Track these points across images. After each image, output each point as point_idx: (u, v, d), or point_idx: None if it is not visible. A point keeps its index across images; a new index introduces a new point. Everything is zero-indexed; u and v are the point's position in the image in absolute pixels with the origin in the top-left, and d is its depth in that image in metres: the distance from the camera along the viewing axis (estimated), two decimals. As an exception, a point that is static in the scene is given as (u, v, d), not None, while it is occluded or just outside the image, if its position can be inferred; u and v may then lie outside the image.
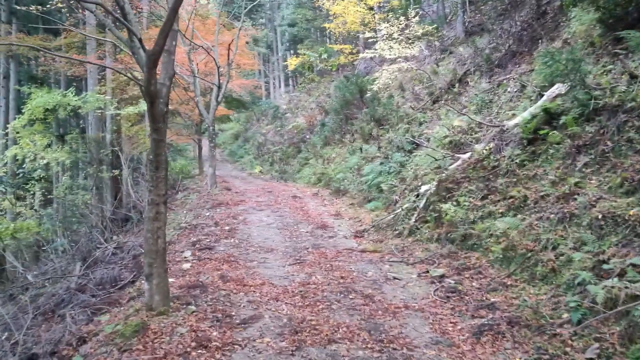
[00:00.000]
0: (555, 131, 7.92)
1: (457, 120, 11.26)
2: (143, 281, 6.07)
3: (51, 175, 19.16)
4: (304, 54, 30.24)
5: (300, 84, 30.91)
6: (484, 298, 6.29)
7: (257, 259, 8.73)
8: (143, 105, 15.53)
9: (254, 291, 6.72)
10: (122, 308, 6.94)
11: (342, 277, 7.41)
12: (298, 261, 8.60)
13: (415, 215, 10.14)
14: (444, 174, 10.06)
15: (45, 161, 16.02)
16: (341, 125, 20.88)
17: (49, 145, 20.96)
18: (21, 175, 17.36)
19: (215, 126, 17.25)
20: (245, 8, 20.06)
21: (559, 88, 8.74)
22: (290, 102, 33.48)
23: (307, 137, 24.29)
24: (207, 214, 12.37)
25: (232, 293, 6.57)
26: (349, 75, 24.23)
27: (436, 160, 10.76)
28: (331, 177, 16.83)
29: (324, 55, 27.94)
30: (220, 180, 20.85)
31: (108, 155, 17.65)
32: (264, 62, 45.28)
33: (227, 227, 10.76)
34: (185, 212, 13.07)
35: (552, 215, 6.89)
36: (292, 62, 32.30)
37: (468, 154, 10.03)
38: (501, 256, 7.13)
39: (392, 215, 10.99)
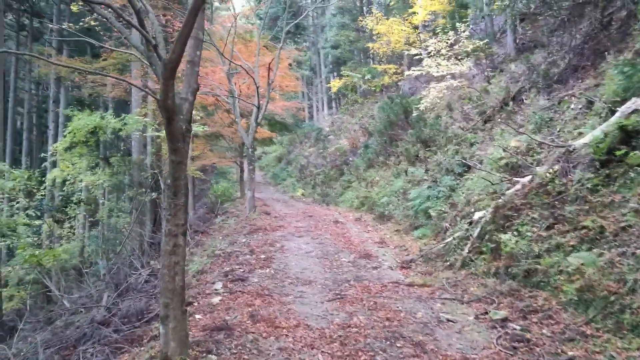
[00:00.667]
0: (636, 152, 6.81)
1: (514, 141, 10.20)
2: (159, 324, 5.31)
3: (91, 198, 19.02)
4: (347, 75, 29.62)
5: (344, 105, 30.23)
6: (560, 350, 5.22)
7: (293, 293, 7.88)
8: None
9: (287, 335, 5.85)
10: (141, 349, 6.20)
11: (387, 319, 6.47)
12: (338, 296, 7.71)
13: (468, 245, 9.09)
14: (500, 200, 9.01)
15: (83, 184, 15.76)
16: (385, 147, 19.98)
17: (93, 168, 20.97)
18: (60, 198, 17.18)
19: (255, 148, 16.67)
20: (288, 31, 19.63)
21: (635, 103, 7.63)
22: (333, 124, 32.84)
23: (350, 159, 23.48)
24: (244, 240, 11.65)
25: (261, 337, 5.72)
26: (393, 95, 23.40)
27: (492, 184, 9.71)
28: (375, 201, 15.91)
29: (368, 76, 27.21)
30: (260, 204, 20.22)
31: (148, 178, 17.31)
32: (307, 85, 44.99)
33: (263, 256, 9.98)
34: (221, 237, 12.39)
35: (638, 251, 5.77)
36: (335, 84, 31.74)
37: (528, 178, 8.95)
38: (576, 298, 6.03)
39: (442, 245, 9.97)
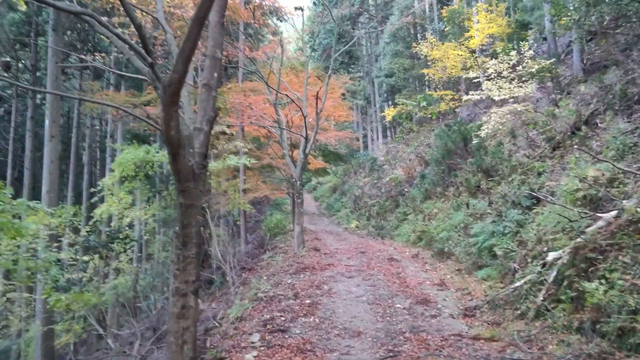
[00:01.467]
0: None
1: (593, 170, 8.86)
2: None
3: (149, 230, 18.66)
4: (402, 103, 28.61)
5: (399, 133, 29.16)
6: None
7: (339, 348, 6.86)
8: (230, 160, 14.56)
9: (326, 410, 4.84)
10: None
11: (450, 388, 5.33)
12: (390, 353, 6.62)
13: (543, 291, 7.80)
14: (580, 239, 7.69)
15: (128, 219, 15.42)
16: (443, 177, 18.71)
17: (147, 202, 20.84)
18: (107, 234, 16.94)
19: (302, 181, 15.84)
20: (341, 61, 19.02)
21: None
22: (387, 154, 31.76)
23: (406, 190, 22.30)
24: (289, 281, 10.73)
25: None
26: (451, 122, 22.17)
27: (569, 220, 8.39)
28: (433, 236, 14.66)
29: (423, 103, 26.10)
30: (312, 237, 19.33)
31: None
32: (361, 114, 44.29)
33: (308, 300, 9.01)
34: (266, 277, 11.53)
35: None
36: (390, 113, 30.76)
37: (613, 213, 7.61)
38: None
39: (511, 289, 8.68)
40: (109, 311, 21.30)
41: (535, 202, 10.83)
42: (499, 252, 10.10)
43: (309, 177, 47.11)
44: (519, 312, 8.03)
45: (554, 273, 7.79)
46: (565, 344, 6.47)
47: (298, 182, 14.91)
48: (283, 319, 8.03)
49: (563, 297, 7.28)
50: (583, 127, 12.22)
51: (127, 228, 16.38)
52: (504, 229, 10.70)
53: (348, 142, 29.80)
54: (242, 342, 7.22)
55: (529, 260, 9.22)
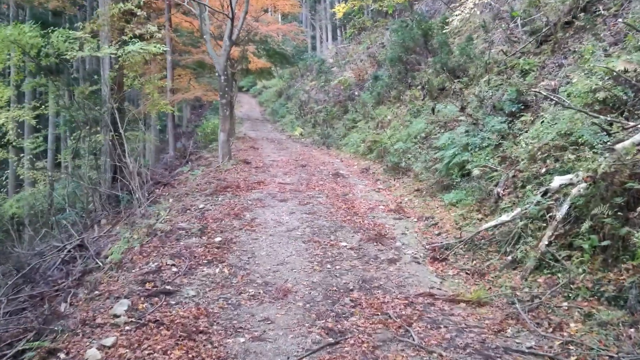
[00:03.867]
0: None
1: (622, 62, 6.17)
2: None
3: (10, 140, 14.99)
4: (354, -3, 24.83)
5: (349, 30, 25.49)
6: None
7: (251, 324, 4.24)
8: (132, 46, 10.96)
9: None
10: None
11: None
12: (331, 332, 4.08)
13: (548, 232, 5.34)
14: (606, 159, 5.14)
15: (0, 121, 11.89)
16: (399, 78, 15.84)
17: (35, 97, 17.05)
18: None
19: (228, 75, 12.55)
20: None
21: None
22: (337, 55, 28.33)
23: (356, 94, 19.37)
24: (201, 205, 7.91)
25: None
26: (409, 18, 18.93)
27: (596, 131, 5.80)
28: (386, 148, 12.04)
29: (378, -5, 22.48)
30: (247, 146, 16.41)
31: (105, 113, 13.37)
32: (310, 12, 39.88)
33: (218, 238, 6.26)
34: (172, 199, 8.63)
35: None
36: (341, 9, 26.93)
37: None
38: None
39: (494, 223, 6.22)
40: (29, 223, 18.09)
41: (523, 107, 8.21)
42: (475, 172, 7.55)
43: (254, 81, 43.25)
44: (509, 257, 5.61)
45: (565, 207, 5.30)
46: (597, 324, 4.07)
47: (222, 78, 11.61)
48: (175, 270, 5.27)
49: (584, 245, 4.84)
50: (581, 15, 9.45)
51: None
52: (481, 141, 8.11)
53: (294, 39, 26.05)
54: (100, 313, 4.46)
55: (519, 184, 6.73)
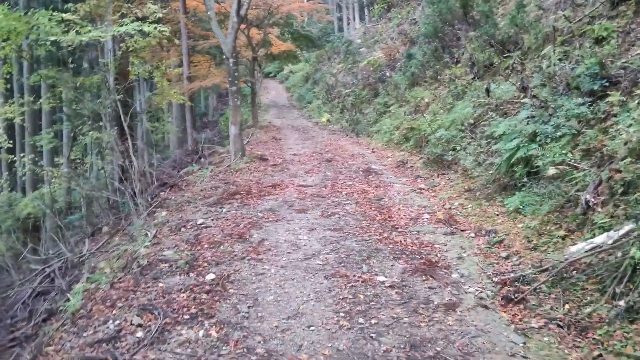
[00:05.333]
0: None
1: None
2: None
3: None
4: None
5: (378, 5, 23.27)
6: None
7: None
8: (145, 27, 9.30)
9: None
10: None
11: None
12: None
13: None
14: None
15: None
16: (436, 56, 13.85)
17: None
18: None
19: (236, 58, 10.75)
20: None
21: None
22: (365, 35, 26.28)
23: (387, 74, 17.43)
24: (200, 221, 6.27)
25: None
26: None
27: None
28: (426, 136, 10.19)
29: (409, -32, 20.36)
30: (269, 137, 14.75)
31: (111, 106, 11.88)
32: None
33: (210, 275, 4.59)
34: (164, 214, 7.00)
35: None
36: (368, -15, 24.84)
37: None
38: None
39: (591, 245, 4.40)
40: (47, 224, 17.00)
41: (607, 83, 6.25)
42: (550, 171, 5.68)
43: (280, 66, 41.45)
44: (621, 304, 3.80)
45: None
46: None
47: (231, 61, 9.83)
48: (139, 335, 3.62)
49: None
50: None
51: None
52: (554, 130, 6.20)
53: (319, 19, 24.06)
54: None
55: (618, 189, 4.85)
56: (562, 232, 5.14)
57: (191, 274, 4.58)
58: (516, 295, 4.34)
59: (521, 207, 6.02)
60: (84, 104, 11.84)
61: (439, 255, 5.14)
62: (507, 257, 5.12)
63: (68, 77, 13.06)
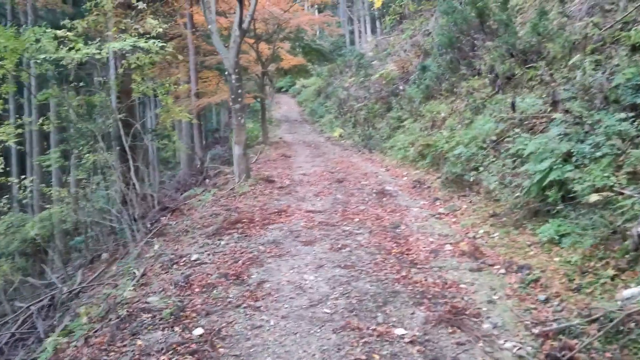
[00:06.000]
0: None
1: None
2: None
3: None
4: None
5: (390, 16, 22.64)
6: None
7: None
8: (118, 43, 8.72)
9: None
10: None
11: None
12: None
13: None
14: None
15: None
16: (452, 67, 13.14)
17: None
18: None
19: (239, 74, 10.06)
20: None
21: None
22: (377, 47, 25.65)
23: (400, 88, 16.74)
24: (195, 256, 5.59)
25: None
26: (458, -1, 16.10)
27: None
28: (443, 153, 9.46)
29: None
30: (279, 154, 14.11)
31: (112, 126, 11.33)
32: (347, 5, 37.13)
33: (198, 330, 3.86)
34: (157, 247, 6.33)
35: None
36: (379, -2, 24.22)
37: None
38: None
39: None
40: (57, 244, 16.49)
41: (652, 96, 5.49)
42: (593, 197, 4.92)
43: (292, 80, 40.99)
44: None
45: None
46: None
47: (233, 77, 9.18)
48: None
49: None
50: None
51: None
52: (593, 150, 5.44)
53: (330, 32, 23.50)
54: None
55: (679, 221, 4.08)
56: (610, 271, 4.36)
57: (176, 328, 3.88)
58: (563, 353, 3.58)
59: (557, 237, 5.26)
60: (85, 124, 11.31)
61: (466, 298, 4.39)
62: (546, 301, 4.35)
63: (71, 96, 12.60)
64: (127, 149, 10.44)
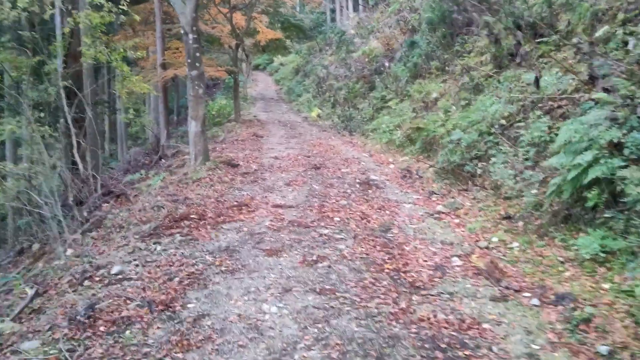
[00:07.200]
0: None
1: None
2: None
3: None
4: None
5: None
6: None
7: None
8: None
9: None
10: None
11: None
12: None
13: None
14: None
15: None
16: (444, 44, 11.69)
17: None
18: None
19: (198, 35, 8.34)
20: None
21: None
22: (359, 24, 23.99)
23: (385, 66, 15.21)
24: (117, 268, 4.05)
25: None
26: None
27: None
28: (436, 138, 8.04)
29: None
30: (249, 133, 12.51)
31: (56, 94, 9.58)
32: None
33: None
34: (70, 252, 4.75)
35: None
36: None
37: None
38: None
39: None
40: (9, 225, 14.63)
41: None
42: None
43: (271, 58, 39.04)
44: None
45: None
46: None
47: (190, 37, 7.47)
48: None
49: None
50: None
51: None
52: (650, 142, 4.07)
53: (310, 8, 21.74)
54: None
55: None
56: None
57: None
58: None
59: (602, 253, 3.90)
60: (22, 91, 9.54)
61: (494, 349, 2.97)
62: (610, 357, 2.98)
63: (9, 57, 10.76)
64: (69, 121, 8.74)
